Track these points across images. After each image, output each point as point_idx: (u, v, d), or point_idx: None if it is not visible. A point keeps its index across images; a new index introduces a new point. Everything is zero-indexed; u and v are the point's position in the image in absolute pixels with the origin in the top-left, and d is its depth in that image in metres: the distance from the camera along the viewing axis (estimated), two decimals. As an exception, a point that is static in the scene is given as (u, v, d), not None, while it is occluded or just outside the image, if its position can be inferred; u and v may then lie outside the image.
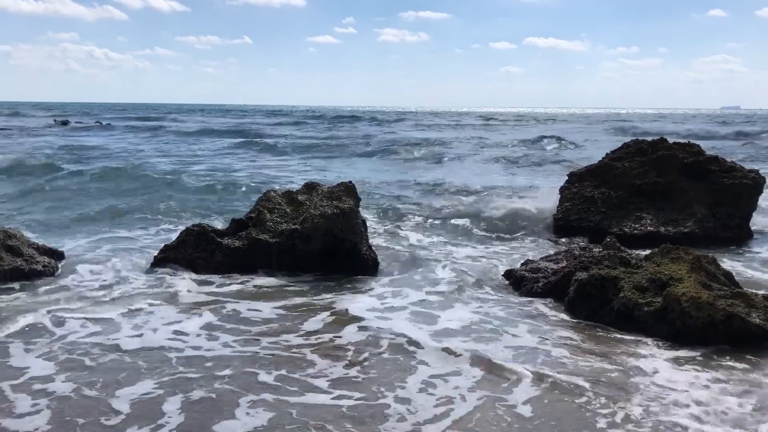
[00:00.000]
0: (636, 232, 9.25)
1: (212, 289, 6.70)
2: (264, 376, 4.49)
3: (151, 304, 6.11)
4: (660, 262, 6.07)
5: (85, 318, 5.65)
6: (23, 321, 5.52)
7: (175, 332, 5.36)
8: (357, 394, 4.24)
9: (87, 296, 6.36)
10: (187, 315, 5.83)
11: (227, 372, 4.56)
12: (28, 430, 3.73)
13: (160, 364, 4.67)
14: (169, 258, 7.38)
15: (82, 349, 4.96)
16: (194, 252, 7.40)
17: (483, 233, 9.82)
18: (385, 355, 4.95)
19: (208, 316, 5.78)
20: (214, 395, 4.20)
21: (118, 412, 3.94)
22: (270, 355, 4.89)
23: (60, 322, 5.53)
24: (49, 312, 5.76)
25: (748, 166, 10.36)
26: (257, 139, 31.22)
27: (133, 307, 5.99)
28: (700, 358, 4.93)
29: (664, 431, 3.81)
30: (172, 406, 4.05)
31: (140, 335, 5.28)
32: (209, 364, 4.71)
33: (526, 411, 4.04)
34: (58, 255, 7.62)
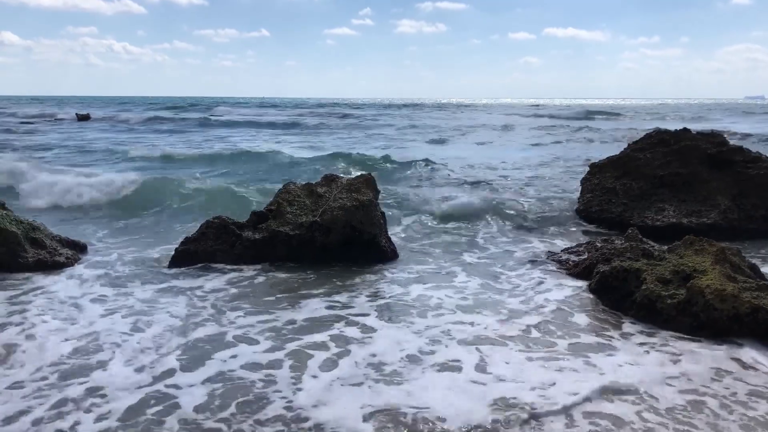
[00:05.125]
0: (658, 223, 9.14)
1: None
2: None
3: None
4: (683, 254, 6.00)
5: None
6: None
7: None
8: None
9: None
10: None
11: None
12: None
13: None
14: (190, 250, 7.43)
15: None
16: (214, 244, 7.45)
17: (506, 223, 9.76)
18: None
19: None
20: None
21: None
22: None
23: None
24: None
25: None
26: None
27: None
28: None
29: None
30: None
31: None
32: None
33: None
34: (80, 247, 7.72)
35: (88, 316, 5.55)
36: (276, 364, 4.65)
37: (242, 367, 4.59)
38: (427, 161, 16.30)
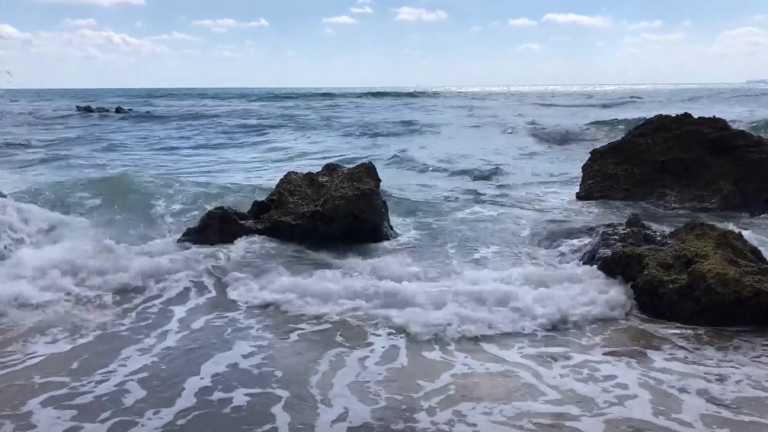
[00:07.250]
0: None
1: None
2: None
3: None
4: (685, 238, 5.99)
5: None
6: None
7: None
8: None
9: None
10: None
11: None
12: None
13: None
14: (192, 241, 7.44)
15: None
16: (217, 235, 7.45)
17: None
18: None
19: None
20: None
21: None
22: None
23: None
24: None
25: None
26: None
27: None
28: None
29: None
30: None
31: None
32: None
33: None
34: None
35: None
36: (267, 380, 3.99)
37: (229, 383, 3.92)
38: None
